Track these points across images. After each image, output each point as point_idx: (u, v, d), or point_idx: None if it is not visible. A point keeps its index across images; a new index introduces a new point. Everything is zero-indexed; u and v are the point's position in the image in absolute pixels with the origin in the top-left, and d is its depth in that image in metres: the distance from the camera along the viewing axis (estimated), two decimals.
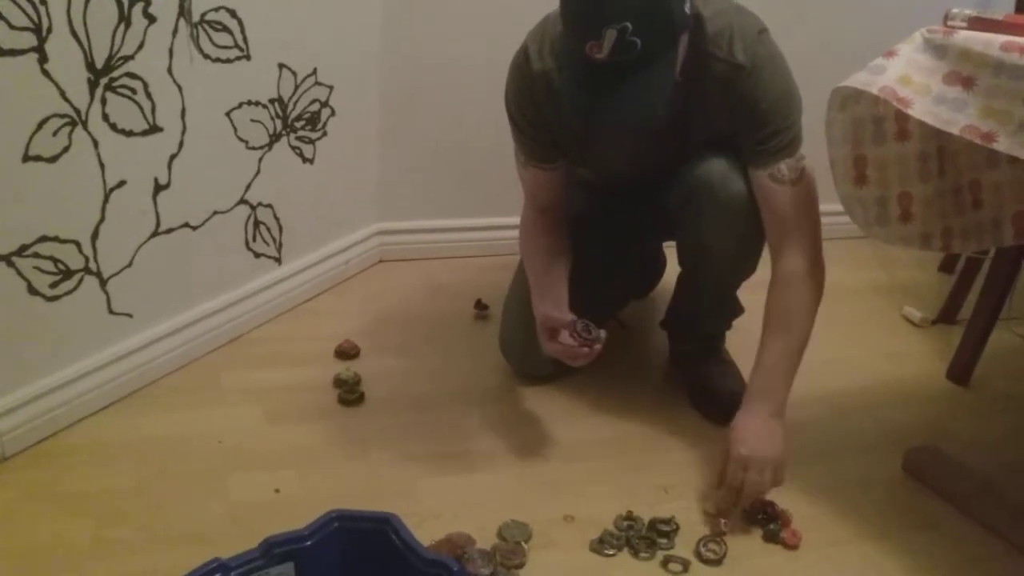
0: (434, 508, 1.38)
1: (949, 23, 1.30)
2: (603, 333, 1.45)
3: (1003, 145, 1.15)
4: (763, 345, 1.46)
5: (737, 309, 1.72)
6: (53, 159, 1.39)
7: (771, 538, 1.36)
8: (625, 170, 1.65)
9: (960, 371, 1.82)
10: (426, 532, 1.29)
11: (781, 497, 1.42)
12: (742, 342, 1.77)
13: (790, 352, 1.45)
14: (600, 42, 1.23)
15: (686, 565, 1.29)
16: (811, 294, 1.46)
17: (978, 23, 1.28)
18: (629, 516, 1.37)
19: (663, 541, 1.33)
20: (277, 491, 1.40)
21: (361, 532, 1.14)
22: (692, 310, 1.75)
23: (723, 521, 1.35)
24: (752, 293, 1.68)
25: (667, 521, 1.36)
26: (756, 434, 1.39)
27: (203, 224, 1.71)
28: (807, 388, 1.77)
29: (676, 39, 1.31)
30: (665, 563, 1.30)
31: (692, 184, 1.52)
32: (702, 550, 1.32)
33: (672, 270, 2.09)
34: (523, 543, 1.31)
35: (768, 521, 1.38)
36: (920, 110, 1.23)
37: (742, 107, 1.42)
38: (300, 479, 1.43)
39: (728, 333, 1.78)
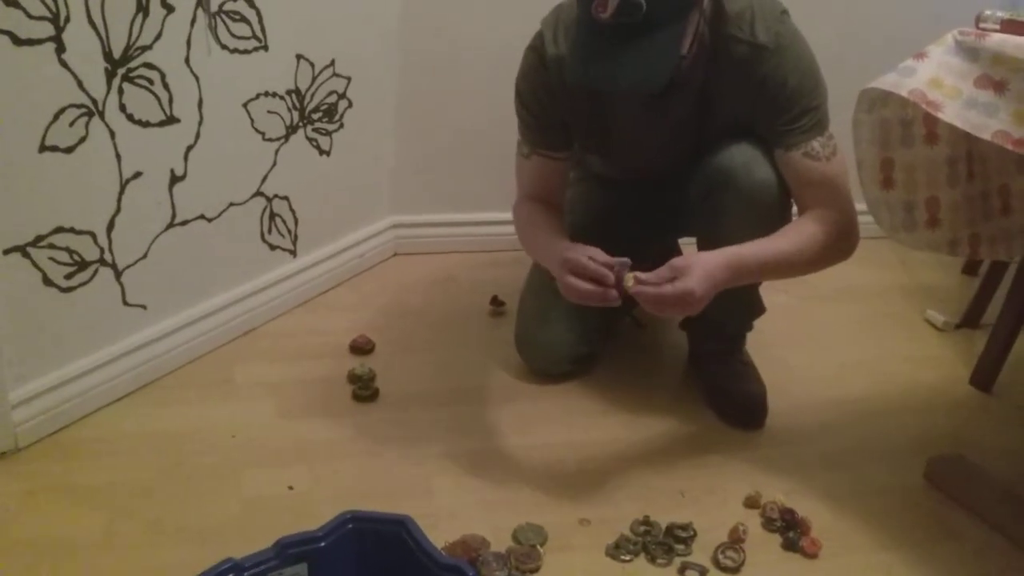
0: (449, 508, 1.36)
1: (981, 25, 1.28)
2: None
3: None
4: (757, 240, 1.41)
5: (758, 307, 1.69)
6: (69, 150, 1.38)
7: (790, 546, 1.34)
8: (642, 162, 1.63)
9: (984, 377, 1.79)
10: (440, 533, 1.28)
11: (800, 505, 1.40)
12: (762, 344, 1.75)
13: (777, 257, 1.39)
14: (606, 0, 1.22)
15: (703, 572, 1.28)
16: (827, 243, 1.42)
17: (1011, 26, 1.26)
18: (646, 521, 1.36)
19: (680, 547, 1.31)
20: (290, 488, 1.39)
21: (375, 534, 1.13)
22: (713, 307, 1.72)
23: (742, 528, 1.34)
24: (773, 293, 1.67)
25: (684, 527, 1.34)
26: (711, 275, 1.32)
27: (219, 216, 1.70)
28: (827, 391, 1.76)
29: (684, 11, 1.30)
30: (682, 570, 1.28)
31: (713, 174, 1.49)
32: (720, 557, 1.30)
33: None
34: (538, 547, 1.30)
35: (787, 529, 1.36)
36: (951, 114, 1.21)
37: (767, 89, 1.41)
38: (313, 476, 1.42)
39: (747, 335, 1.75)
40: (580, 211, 1.76)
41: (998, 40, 1.22)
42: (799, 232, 1.43)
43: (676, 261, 1.33)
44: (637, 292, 1.30)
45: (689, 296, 1.29)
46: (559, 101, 1.50)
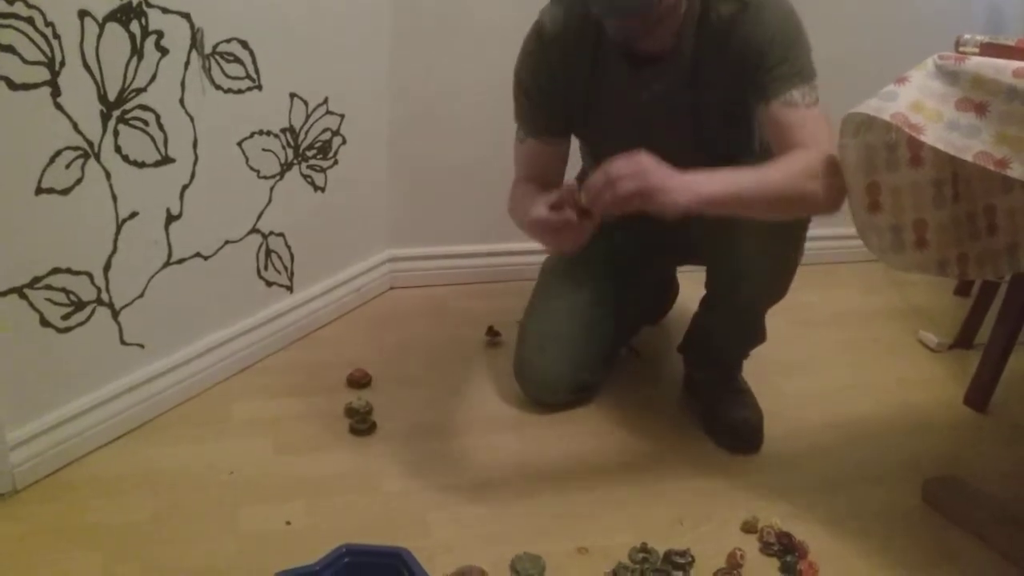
0: (446, 541, 1.36)
1: (961, 49, 1.30)
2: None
3: (1017, 172, 1.14)
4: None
5: (761, 335, 1.70)
6: (66, 191, 1.39)
7: (788, 570, 1.34)
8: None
9: (978, 397, 1.80)
10: (438, 566, 1.28)
11: (798, 528, 1.40)
12: (756, 369, 1.76)
13: (755, 181, 1.31)
14: None
15: None
16: (808, 175, 1.33)
17: (990, 49, 1.28)
18: (644, 548, 1.35)
19: (678, 574, 1.31)
20: (288, 523, 1.39)
21: (372, 567, 1.13)
22: (715, 335, 1.72)
23: (739, 553, 1.34)
24: (767, 319, 1.67)
25: (682, 553, 1.34)
26: (661, 167, 1.25)
27: (215, 254, 1.72)
28: (822, 414, 1.77)
29: None
30: None
31: None
32: None
33: (684, 296, 2.09)
34: None
35: (785, 553, 1.36)
36: (933, 137, 1.22)
37: (749, 45, 1.42)
38: (311, 511, 1.42)
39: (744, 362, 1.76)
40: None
41: (977, 63, 1.23)
42: (775, 163, 1.36)
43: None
44: (589, 189, 1.25)
45: (636, 162, 1.23)
46: (559, 82, 1.53)
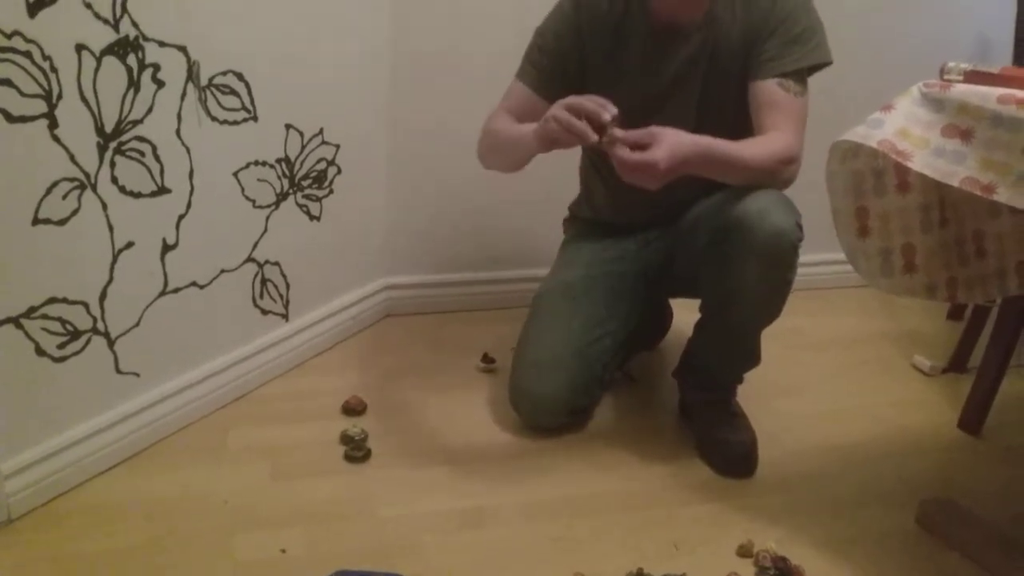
0: (442, 567, 1.36)
1: (946, 77, 1.32)
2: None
3: (1003, 196, 1.15)
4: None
5: (755, 358, 1.70)
6: (62, 222, 1.41)
7: None
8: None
9: (972, 421, 1.81)
10: None
11: (793, 552, 1.40)
12: (752, 393, 1.77)
13: (738, 156, 1.48)
14: None
15: None
16: (775, 158, 1.51)
17: (974, 76, 1.30)
18: (640, 573, 1.35)
19: None
20: (283, 551, 1.39)
21: None
22: (708, 356, 1.73)
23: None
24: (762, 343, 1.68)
25: None
26: (679, 152, 1.38)
27: (210, 283, 1.73)
28: (817, 438, 1.77)
29: None
30: None
31: (726, 220, 1.52)
32: None
33: (681, 322, 2.10)
34: None
35: None
36: (920, 163, 1.24)
37: (759, 21, 1.55)
38: (306, 538, 1.42)
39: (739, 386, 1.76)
40: (580, 266, 1.81)
41: (961, 90, 1.25)
42: (757, 142, 1.53)
43: (654, 128, 1.39)
44: (610, 150, 1.37)
45: (652, 168, 1.36)
46: (582, 39, 1.64)
